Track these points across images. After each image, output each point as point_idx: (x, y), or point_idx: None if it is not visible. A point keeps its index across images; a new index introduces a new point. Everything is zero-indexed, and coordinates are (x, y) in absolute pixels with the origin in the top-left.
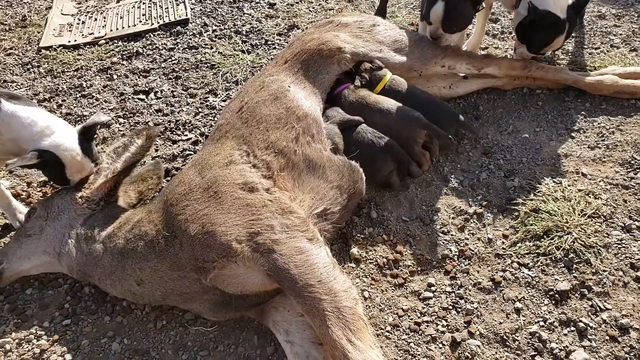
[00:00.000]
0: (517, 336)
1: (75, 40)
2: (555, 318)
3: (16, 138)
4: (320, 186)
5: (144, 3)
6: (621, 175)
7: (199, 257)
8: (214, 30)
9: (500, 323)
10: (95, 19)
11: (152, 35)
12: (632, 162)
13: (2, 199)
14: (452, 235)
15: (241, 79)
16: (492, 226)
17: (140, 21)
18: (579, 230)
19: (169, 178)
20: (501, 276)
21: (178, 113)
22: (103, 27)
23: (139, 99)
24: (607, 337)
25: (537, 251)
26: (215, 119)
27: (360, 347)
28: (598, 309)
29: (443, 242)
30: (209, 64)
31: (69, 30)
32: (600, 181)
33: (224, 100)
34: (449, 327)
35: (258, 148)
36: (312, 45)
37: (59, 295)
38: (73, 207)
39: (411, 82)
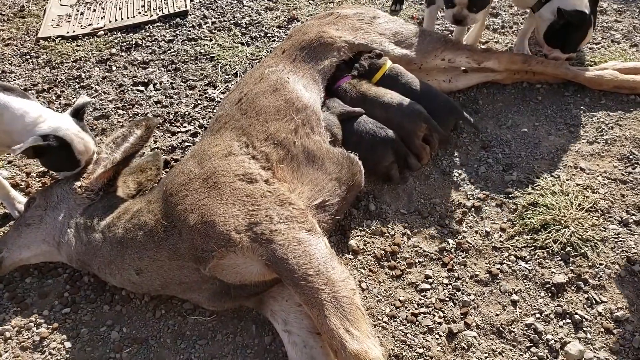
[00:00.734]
0: (513, 328)
1: (74, 31)
2: (552, 310)
3: (9, 130)
4: (319, 178)
5: None
6: (619, 170)
7: (198, 247)
8: (213, 23)
9: (497, 315)
10: (94, 10)
11: (151, 27)
12: (631, 157)
13: (1, 189)
14: (450, 228)
15: (240, 71)
16: (490, 219)
17: (140, 12)
18: (576, 224)
19: (167, 169)
20: (498, 269)
21: (177, 105)
22: (102, 18)
23: (138, 90)
24: (602, 329)
25: (534, 244)
26: (215, 110)
27: (357, 336)
28: (594, 301)
29: (441, 235)
30: (208, 56)
31: (68, 21)
32: (598, 176)
33: (223, 93)
34: (446, 319)
35: (257, 139)
36: (311, 37)
37: (59, 284)
38: (72, 196)
39: None
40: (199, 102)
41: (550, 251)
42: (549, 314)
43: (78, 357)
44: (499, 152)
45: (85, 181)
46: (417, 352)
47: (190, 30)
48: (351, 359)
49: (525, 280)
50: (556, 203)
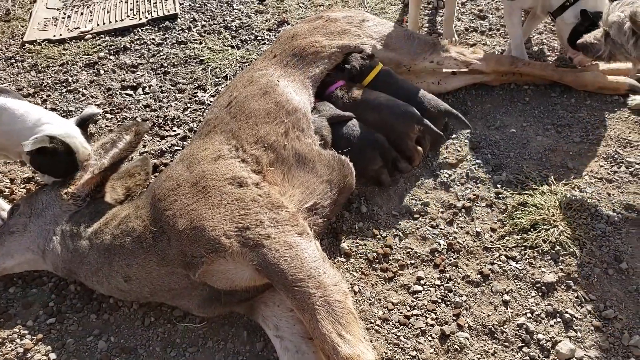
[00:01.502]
0: (505, 328)
1: (61, 35)
2: (542, 310)
3: (8, 131)
4: (310, 180)
5: None
6: (605, 169)
7: (187, 253)
8: (203, 26)
9: (489, 315)
10: (82, 13)
11: (140, 30)
12: (616, 156)
13: None
14: (441, 229)
15: (230, 75)
16: (480, 220)
17: (128, 16)
18: (565, 223)
19: (157, 174)
20: (489, 269)
21: (166, 108)
22: (89, 21)
23: (127, 94)
24: (592, 328)
25: (524, 244)
26: (204, 114)
27: (350, 340)
28: (583, 300)
29: (432, 236)
30: (197, 59)
31: (54, 25)
32: (585, 175)
33: (213, 96)
34: (438, 320)
35: (247, 142)
36: (303, 44)
37: (43, 294)
38: (58, 203)
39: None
40: (188, 105)
41: (540, 251)
42: (540, 313)
43: None
44: (488, 152)
45: (72, 187)
46: (410, 355)
47: (179, 34)
48: None
49: (516, 280)
50: (545, 203)
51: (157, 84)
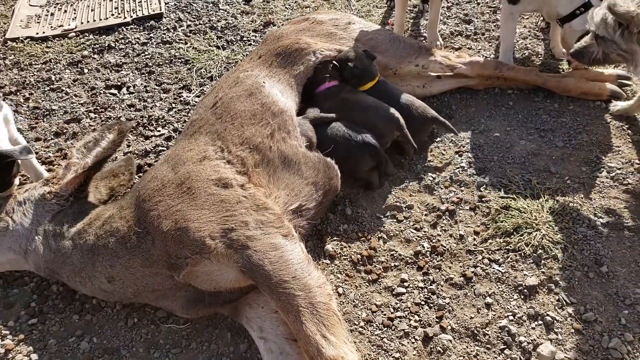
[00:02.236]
0: (488, 330)
1: (44, 32)
2: (524, 312)
3: None
4: (295, 182)
5: None
6: (587, 174)
7: (171, 254)
8: (188, 26)
9: (471, 318)
10: (65, 11)
11: (124, 29)
12: (597, 161)
13: None
14: (424, 231)
15: (216, 75)
16: (463, 223)
17: (113, 14)
18: (547, 227)
19: (141, 174)
20: (472, 272)
21: (151, 108)
22: (73, 19)
23: (111, 93)
24: (573, 330)
25: (507, 247)
26: (189, 114)
27: (334, 342)
28: (564, 302)
29: (416, 239)
30: (183, 59)
31: (37, 22)
32: (567, 179)
33: (198, 96)
34: (422, 322)
35: (232, 144)
36: (287, 42)
37: (25, 294)
38: (41, 203)
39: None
40: (173, 105)
41: (522, 254)
42: (522, 316)
43: None
44: (472, 156)
45: (55, 187)
46: (393, 357)
47: (165, 33)
48: None
49: (498, 283)
50: (528, 206)
51: (141, 84)
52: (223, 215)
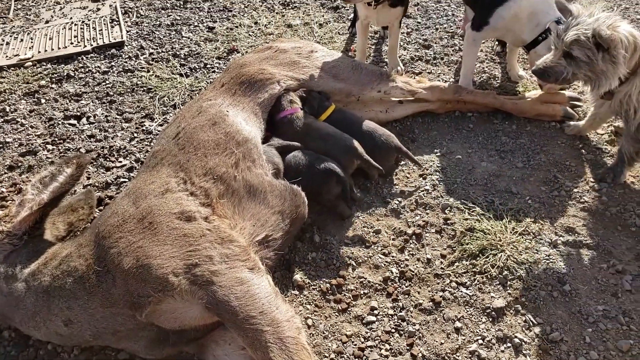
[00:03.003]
0: (458, 355)
1: None
2: (493, 335)
3: None
4: (261, 212)
5: (75, 24)
6: (546, 193)
7: (133, 292)
8: (150, 54)
9: (442, 343)
10: (22, 40)
11: (84, 58)
12: (555, 180)
13: None
14: (392, 256)
15: (179, 103)
16: (430, 246)
17: (72, 43)
18: (511, 248)
19: (101, 207)
20: (441, 296)
21: (112, 138)
22: (30, 48)
23: (70, 124)
24: (541, 351)
25: (473, 270)
26: (152, 144)
27: None
28: (531, 323)
29: (384, 264)
30: (145, 88)
31: None
32: (528, 199)
33: (161, 125)
34: (392, 351)
35: (196, 175)
36: (251, 71)
37: None
38: None
39: (350, 107)
40: (135, 135)
41: (489, 276)
42: (491, 339)
43: None
44: (436, 179)
45: (7, 225)
46: None
47: (126, 62)
48: None
49: (467, 307)
50: (492, 227)
51: (102, 113)
52: (186, 250)
